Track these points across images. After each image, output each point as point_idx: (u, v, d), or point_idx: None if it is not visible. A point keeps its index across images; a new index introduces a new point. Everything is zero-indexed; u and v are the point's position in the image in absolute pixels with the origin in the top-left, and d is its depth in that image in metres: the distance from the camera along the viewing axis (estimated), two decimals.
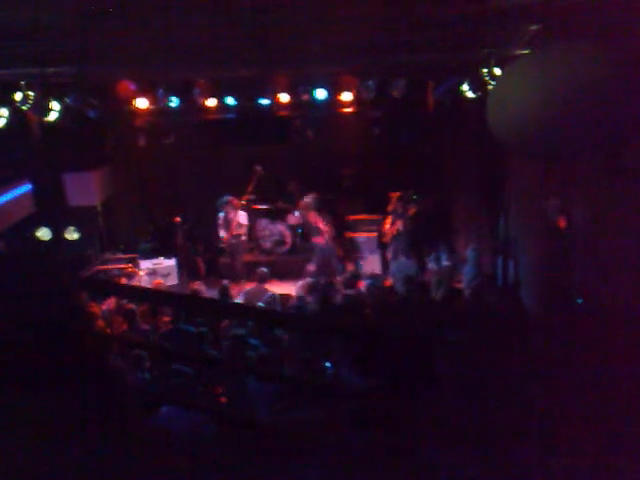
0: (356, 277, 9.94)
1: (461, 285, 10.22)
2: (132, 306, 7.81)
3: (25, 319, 1.78)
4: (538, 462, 4.23)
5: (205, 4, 5.80)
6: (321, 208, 11.47)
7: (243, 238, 11.69)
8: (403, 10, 6.42)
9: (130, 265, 11.19)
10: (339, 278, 10.15)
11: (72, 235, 10.89)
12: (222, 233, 11.49)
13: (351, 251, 12.21)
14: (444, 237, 12.15)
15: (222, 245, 11.65)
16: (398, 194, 11.53)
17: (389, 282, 10.39)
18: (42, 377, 1.77)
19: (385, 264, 11.76)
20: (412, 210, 11.35)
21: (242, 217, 11.60)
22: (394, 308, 8.16)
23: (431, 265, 10.77)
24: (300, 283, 10.10)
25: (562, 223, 7.33)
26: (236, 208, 11.49)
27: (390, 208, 11.58)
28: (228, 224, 11.46)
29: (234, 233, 11.48)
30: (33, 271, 1.90)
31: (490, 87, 7.88)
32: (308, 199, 11.37)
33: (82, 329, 1.93)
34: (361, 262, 11.89)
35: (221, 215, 11.49)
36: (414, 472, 3.13)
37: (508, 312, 7.65)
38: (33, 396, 1.75)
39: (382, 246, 11.94)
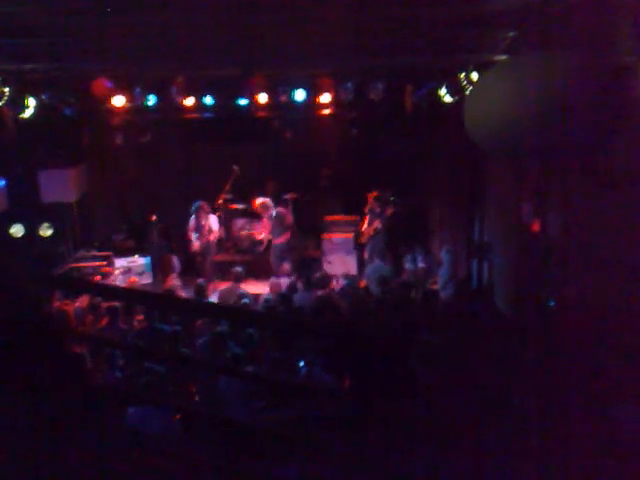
0: (326, 278, 9.96)
1: (436, 287, 10.29)
2: (116, 303, 7.72)
3: None
4: (512, 462, 4.28)
5: (185, 3, 5.80)
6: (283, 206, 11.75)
7: (213, 242, 11.67)
8: (382, 14, 6.47)
9: (104, 263, 11.11)
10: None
11: (46, 232, 10.79)
12: (193, 238, 11.45)
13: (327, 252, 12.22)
14: (420, 238, 12.23)
15: (193, 249, 11.57)
16: (375, 194, 11.59)
17: (363, 283, 10.45)
18: (6, 378, 1.75)
19: (361, 265, 11.81)
20: (390, 210, 11.42)
21: (213, 222, 11.59)
22: (369, 309, 8.18)
23: (407, 266, 10.82)
24: (270, 282, 10.16)
25: (536, 227, 7.41)
26: (207, 213, 11.48)
27: (367, 208, 11.65)
28: (200, 229, 11.43)
29: (205, 238, 11.45)
30: None
31: (467, 92, 7.95)
32: (261, 200, 11.51)
33: (44, 328, 1.91)
34: (326, 263, 11.90)
35: (192, 220, 11.44)
36: (389, 472, 3.15)
37: (481, 314, 7.71)
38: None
39: (359, 247, 11.98)
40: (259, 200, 11.65)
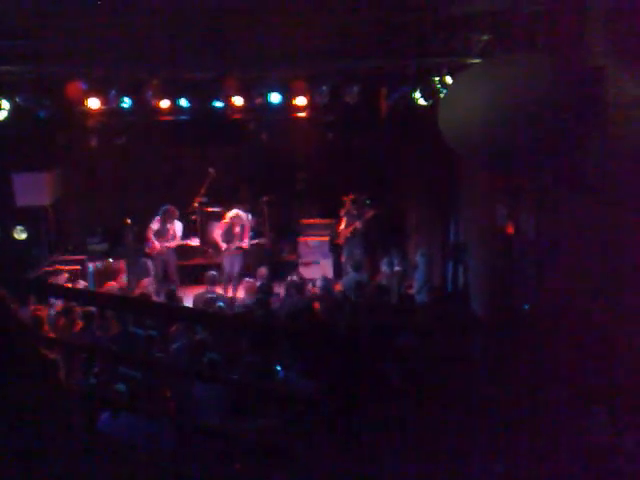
0: (302, 282, 9.97)
1: (412, 290, 10.33)
2: (92, 308, 7.63)
3: None
4: (484, 464, 4.30)
5: (161, 5, 5.78)
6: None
7: (174, 247, 11.54)
8: (356, 17, 6.50)
9: (78, 267, 10.99)
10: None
11: (20, 235, 10.68)
12: (153, 240, 11.30)
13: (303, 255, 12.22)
14: (396, 242, 12.27)
15: (150, 252, 11.41)
16: (351, 196, 11.60)
17: (339, 286, 10.46)
18: None
19: (338, 268, 11.81)
20: (370, 213, 11.43)
21: (178, 229, 11.48)
22: (344, 313, 8.19)
23: (384, 269, 10.85)
24: (244, 285, 10.12)
25: (510, 230, 7.48)
26: (174, 218, 11.37)
27: (344, 210, 11.66)
28: (164, 233, 11.33)
29: (168, 243, 11.34)
30: None
31: (441, 95, 8.00)
32: (234, 212, 11.51)
33: (16, 333, 1.89)
34: (302, 266, 11.90)
35: (156, 222, 11.30)
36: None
37: (455, 317, 7.76)
38: None
39: (335, 250, 11.98)
40: (231, 213, 11.53)
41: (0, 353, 1.78)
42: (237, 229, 11.38)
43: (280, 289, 10.12)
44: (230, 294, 10.91)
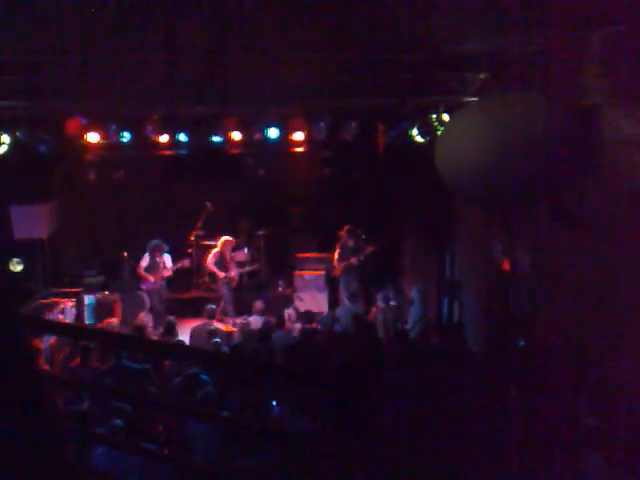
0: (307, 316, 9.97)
1: (407, 326, 10.31)
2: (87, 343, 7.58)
3: None
4: None
5: (161, 42, 5.85)
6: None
7: (166, 277, 11.58)
8: (355, 55, 6.59)
9: (73, 300, 10.97)
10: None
11: (16, 267, 10.66)
12: (146, 275, 11.33)
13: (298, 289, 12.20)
14: (391, 277, 12.28)
15: (144, 288, 11.43)
16: (348, 227, 11.61)
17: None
18: None
19: (333, 302, 11.79)
20: (368, 249, 11.42)
21: (167, 261, 11.52)
22: (340, 348, 8.16)
23: (379, 303, 10.83)
24: (241, 320, 10.15)
25: (506, 266, 7.50)
26: (163, 252, 11.42)
27: (339, 242, 11.64)
28: (155, 267, 11.36)
29: (160, 275, 11.37)
30: None
31: (438, 132, 8.08)
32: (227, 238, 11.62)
33: (24, 367, 1.89)
34: (298, 300, 11.89)
35: (146, 257, 11.34)
36: None
37: (452, 353, 7.73)
38: None
39: (331, 283, 11.97)
40: (221, 239, 11.62)
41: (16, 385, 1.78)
42: (228, 255, 11.57)
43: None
44: (230, 324, 10.87)
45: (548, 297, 6.56)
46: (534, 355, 6.51)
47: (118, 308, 11.31)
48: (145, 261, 11.34)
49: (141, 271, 11.33)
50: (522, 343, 6.78)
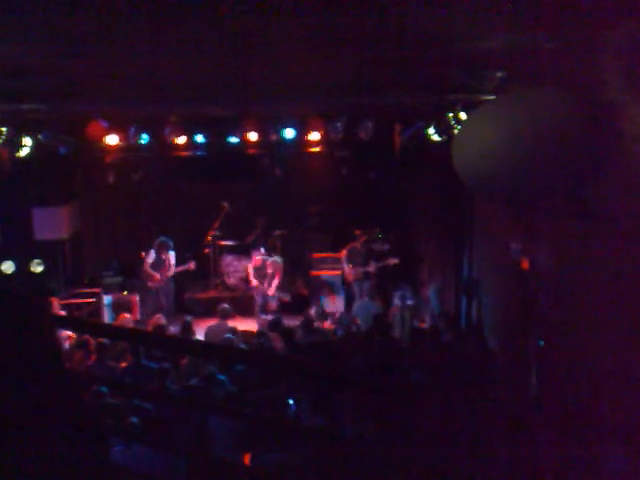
0: (323, 316, 9.99)
1: (425, 325, 10.30)
2: (103, 340, 7.67)
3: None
4: None
5: (178, 44, 5.89)
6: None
7: (172, 276, 11.62)
8: (372, 53, 6.58)
9: (93, 299, 11.09)
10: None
11: (37, 268, 10.77)
12: (152, 273, 11.40)
13: (315, 290, 12.22)
14: (409, 275, 12.26)
15: (150, 285, 11.49)
16: (358, 231, 11.61)
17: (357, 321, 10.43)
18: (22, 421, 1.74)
19: (349, 302, 11.80)
20: (393, 261, 11.35)
21: (172, 258, 11.57)
22: (358, 348, 8.16)
23: (396, 302, 10.82)
24: (260, 320, 10.14)
25: (525, 265, 7.46)
26: (168, 249, 11.47)
27: (348, 246, 11.61)
28: (160, 264, 11.41)
29: (166, 274, 11.43)
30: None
31: (456, 131, 8.06)
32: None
33: (55, 365, 1.92)
34: (325, 300, 11.89)
35: (152, 255, 11.42)
36: None
37: (471, 353, 7.71)
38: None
39: (346, 284, 11.98)
40: (270, 259, 11.79)
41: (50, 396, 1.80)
42: (269, 270, 11.58)
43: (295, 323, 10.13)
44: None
45: (568, 296, 6.52)
46: (554, 355, 6.48)
47: (135, 307, 11.40)
48: (150, 258, 11.42)
49: (147, 267, 11.41)
50: (542, 343, 6.74)
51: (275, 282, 11.56)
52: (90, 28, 5.28)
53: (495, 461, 5.05)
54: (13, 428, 1.67)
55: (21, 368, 1.72)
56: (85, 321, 7.81)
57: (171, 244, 11.52)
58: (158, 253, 11.42)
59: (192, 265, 11.68)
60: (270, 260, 11.68)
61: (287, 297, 11.95)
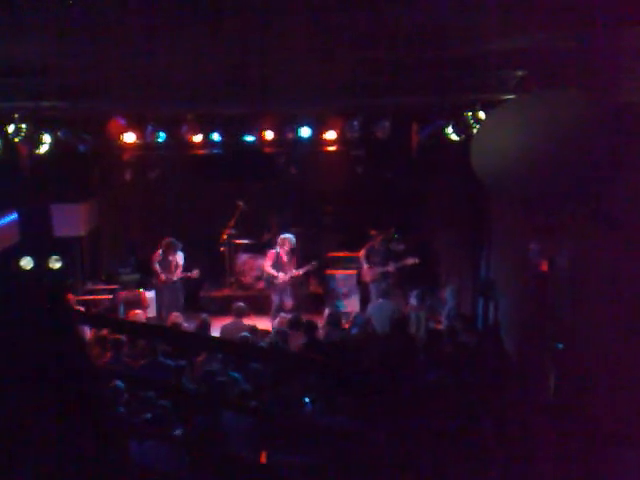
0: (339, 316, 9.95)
1: (441, 326, 10.24)
2: (120, 336, 7.69)
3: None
4: None
5: (196, 43, 5.90)
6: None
7: (180, 279, 11.50)
8: (389, 52, 6.56)
9: (110, 296, 11.15)
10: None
11: (55, 264, 10.84)
12: (159, 272, 11.36)
13: (331, 289, 12.19)
14: (425, 276, 12.20)
15: (158, 284, 11.46)
16: (374, 232, 11.53)
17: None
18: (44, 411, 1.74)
19: (365, 302, 11.75)
20: (411, 261, 11.25)
21: (180, 259, 11.45)
22: (374, 348, 8.14)
23: (412, 302, 10.76)
24: (279, 318, 10.07)
25: (544, 267, 7.40)
26: (176, 250, 11.36)
27: (366, 247, 11.53)
28: (167, 265, 11.36)
29: (173, 274, 11.36)
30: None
31: (474, 130, 8.02)
32: (286, 236, 11.40)
33: (81, 362, 1.92)
34: (344, 301, 11.86)
35: (159, 255, 11.34)
36: None
37: (488, 354, 7.67)
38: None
39: (362, 284, 11.94)
40: (279, 239, 11.45)
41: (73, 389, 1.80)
42: (285, 257, 11.32)
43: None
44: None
45: (588, 299, 6.46)
46: (573, 358, 6.42)
47: (146, 304, 11.45)
48: (157, 257, 11.36)
49: (154, 265, 11.37)
50: (560, 346, 6.68)
51: (294, 263, 11.32)
52: (110, 28, 5.30)
53: (509, 463, 5.02)
54: (43, 421, 1.68)
55: (53, 363, 1.72)
56: (106, 317, 7.85)
57: (179, 245, 11.41)
58: (165, 253, 11.32)
59: (195, 274, 11.48)
60: (281, 237, 11.41)
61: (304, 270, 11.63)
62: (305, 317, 10.09)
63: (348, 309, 11.60)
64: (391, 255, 11.42)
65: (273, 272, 11.23)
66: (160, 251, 11.34)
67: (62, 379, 1.72)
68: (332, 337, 8.67)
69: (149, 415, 5.55)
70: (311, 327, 8.59)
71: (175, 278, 11.35)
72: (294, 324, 8.99)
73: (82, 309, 9.68)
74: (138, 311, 10.41)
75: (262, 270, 11.85)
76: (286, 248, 11.29)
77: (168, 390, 5.31)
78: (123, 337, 7.77)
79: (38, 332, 1.74)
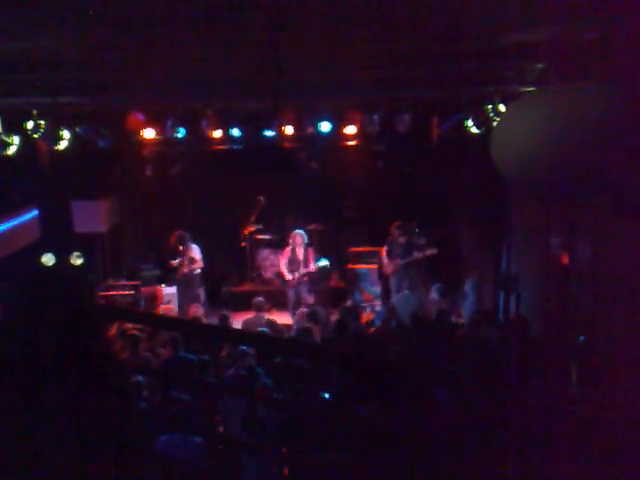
0: (358, 309, 9.96)
1: (462, 319, 10.21)
2: (135, 332, 7.76)
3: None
4: None
5: (216, 38, 5.92)
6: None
7: (198, 272, 11.52)
8: (410, 46, 6.54)
9: (132, 292, 11.23)
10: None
11: (76, 261, 10.94)
12: (173, 264, 11.42)
13: (352, 283, 12.21)
14: (446, 269, 12.15)
15: (176, 277, 11.53)
16: (397, 223, 11.47)
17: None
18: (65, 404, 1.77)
19: (386, 296, 11.73)
20: (431, 251, 11.18)
21: (195, 252, 11.49)
22: (397, 342, 8.13)
23: (433, 296, 10.72)
24: (299, 312, 10.10)
25: (565, 260, 7.35)
26: (185, 242, 11.40)
27: (388, 240, 11.50)
28: (177, 257, 11.43)
29: (187, 267, 11.39)
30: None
31: (494, 123, 7.97)
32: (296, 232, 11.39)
33: (106, 356, 1.94)
34: (359, 294, 11.86)
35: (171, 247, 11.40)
36: None
37: (512, 346, 7.62)
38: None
39: (383, 278, 11.92)
40: (292, 236, 11.44)
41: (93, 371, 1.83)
42: (300, 255, 11.28)
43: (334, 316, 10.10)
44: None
45: (609, 292, 6.41)
46: (595, 351, 6.38)
47: (161, 299, 11.53)
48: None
49: (171, 261, 11.45)
50: (582, 338, 6.64)
51: (311, 259, 11.24)
52: (129, 23, 5.34)
53: (532, 453, 4.99)
54: (67, 416, 1.71)
55: (78, 359, 1.75)
56: (135, 312, 7.91)
57: (188, 237, 11.43)
58: (174, 246, 11.38)
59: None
60: (292, 233, 11.40)
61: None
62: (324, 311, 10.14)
63: (368, 302, 11.58)
64: (412, 249, 11.38)
65: (284, 272, 11.27)
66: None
67: (86, 374, 1.75)
68: (351, 330, 8.67)
69: (173, 409, 5.58)
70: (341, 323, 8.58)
71: (187, 270, 11.39)
72: (312, 317, 9.02)
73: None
74: (170, 306, 10.48)
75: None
76: (298, 244, 11.28)
77: (191, 385, 5.35)
78: (141, 333, 7.84)
79: (63, 328, 1.77)
